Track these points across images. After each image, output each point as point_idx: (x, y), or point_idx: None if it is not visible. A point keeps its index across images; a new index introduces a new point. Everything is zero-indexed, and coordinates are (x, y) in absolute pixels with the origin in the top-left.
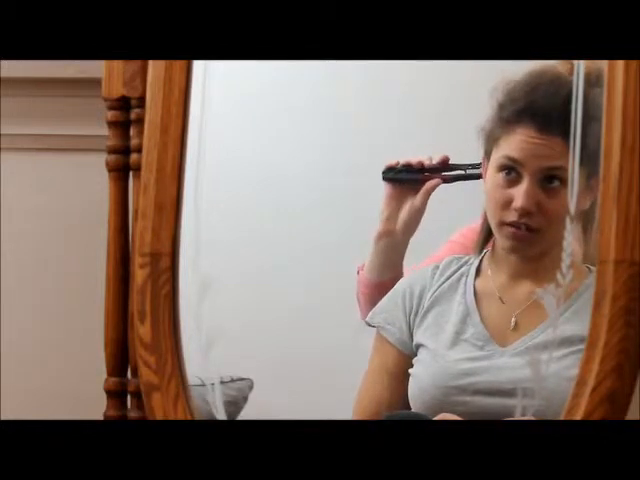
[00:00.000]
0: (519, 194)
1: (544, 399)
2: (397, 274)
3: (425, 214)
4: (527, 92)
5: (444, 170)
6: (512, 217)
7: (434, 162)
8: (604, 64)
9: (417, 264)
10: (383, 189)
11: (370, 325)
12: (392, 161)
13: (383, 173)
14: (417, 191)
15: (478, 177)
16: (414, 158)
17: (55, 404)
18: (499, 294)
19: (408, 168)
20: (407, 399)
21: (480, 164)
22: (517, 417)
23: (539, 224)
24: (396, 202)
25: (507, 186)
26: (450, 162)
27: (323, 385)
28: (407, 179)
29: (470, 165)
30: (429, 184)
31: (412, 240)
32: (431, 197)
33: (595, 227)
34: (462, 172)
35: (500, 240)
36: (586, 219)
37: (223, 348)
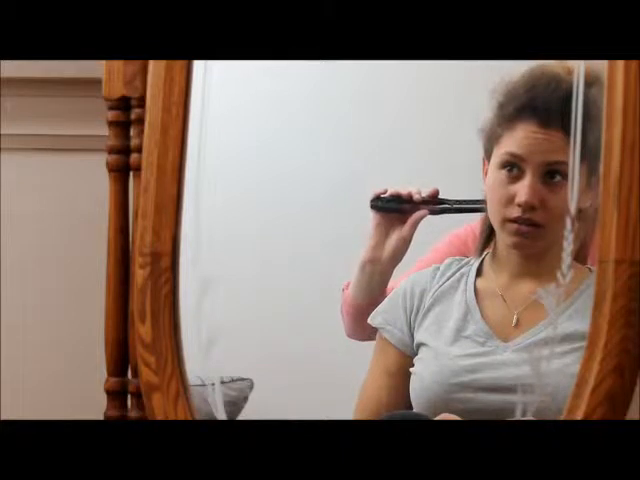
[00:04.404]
0: (522, 189)
1: (546, 395)
2: (380, 298)
3: (412, 244)
4: (527, 89)
5: (432, 203)
6: (516, 213)
7: (423, 195)
8: (601, 64)
9: (402, 276)
10: (371, 217)
11: (372, 326)
12: (380, 190)
13: (371, 202)
14: (404, 221)
15: (464, 211)
16: (403, 189)
17: (55, 404)
18: (500, 293)
19: (396, 198)
20: (408, 399)
21: (469, 200)
22: (518, 413)
23: (542, 219)
24: (383, 231)
25: (509, 183)
26: (439, 196)
27: (323, 385)
28: (395, 209)
29: (457, 201)
30: (416, 215)
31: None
32: (418, 228)
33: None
34: (449, 206)
35: (503, 237)
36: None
37: (223, 348)
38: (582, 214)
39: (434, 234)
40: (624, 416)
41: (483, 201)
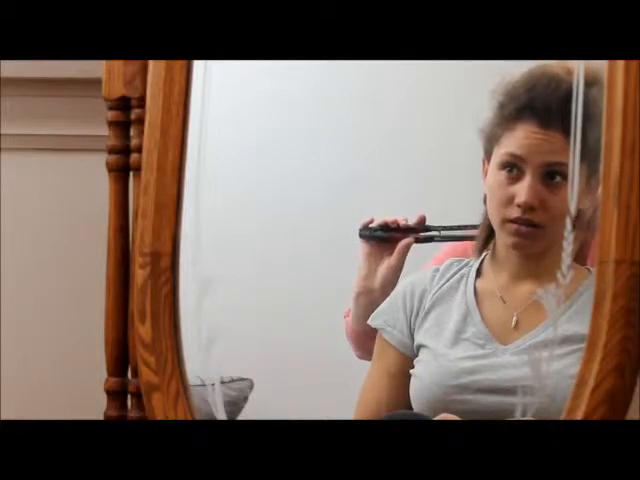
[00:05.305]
0: (522, 190)
1: (546, 397)
2: None
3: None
4: (527, 90)
5: (419, 230)
6: (515, 213)
7: (410, 223)
8: (601, 64)
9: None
10: (360, 247)
11: (372, 327)
12: (368, 219)
13: (360, 231)
14: (393, 249)
15: (452, 239)
16: (390, 218)
17: (55, 404)
18: (500, 294)
19: (384, 227)
20: (408, 400)
21: (456, 226)
22: (518, 415)
23: (542, 220)
24: (373, 260)
25: (509, 183)
26: (426, 223)
27: (323, 385)
28: (383, 237)
29: (444, 227)
30: (403, 243)
31: None
32: (409, 255)
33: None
34: (437, 233)
35: (503, 237)
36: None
37: (223, 348)
38: (582, 215)
39: (425, 261)
40: (624, 416)
41: (471, 226)
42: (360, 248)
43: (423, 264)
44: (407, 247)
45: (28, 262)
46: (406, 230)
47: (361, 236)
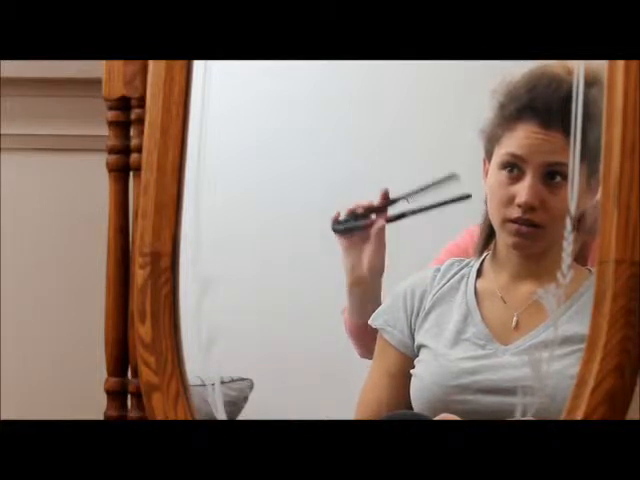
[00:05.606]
0: (522, 190)
1: (546, 397)
2: None
3: (394, 250)
4: (527, 90)
5: (387, 205)
6: (516, 213)
7: (374, 203)
8: (602, 64)
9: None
10: (338, 243)
11: (372, 327)
12: (335, 214)
13: (332, 227)
14: (369, 235)
15: (421, 211)
16: (354, 204)
17: (55, 404)
18: (500, 294)
19: (352, 216)
20: (409, 400)
21: (427, 185)
22: (518, 415)
23: (542, 220)
24: (354, 251)
25: (510, 183)
26: (390, 197)
27: (323, 385)
28: (355, 227)
29: (408, 194)
30: (374, 229)
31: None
32: (395, 233)
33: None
34: (406, 205)
35: (503, 237)
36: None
37: (223, 348)
38: (584, 218)
39: (413, 236)
40: (624, 416)
41: (434, 184)
42: (339, 244)
43: (410, 241)
44: (381, 230)
45: (28, 262)
46: (374, 210)
47: (335, 231)
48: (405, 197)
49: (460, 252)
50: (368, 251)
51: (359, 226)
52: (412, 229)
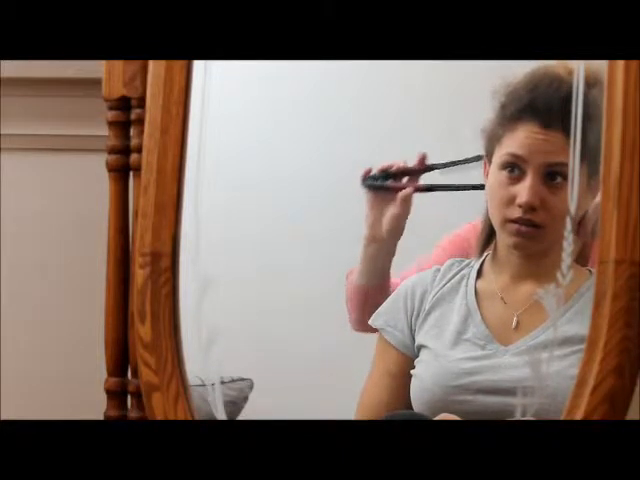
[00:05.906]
0: (523, 190)
1: (546, 398)
2: (385, 281)
3: (413, 219)
4: (528, 90)
5: (422, 171)
6: (516, 214)
7: (410, 165)
8: (602, 64)
9: (404, 271)
10: (365, 196)
11: (373, 327)
12: (366, 168)
13: (362, 181)
14: (396, 197)
15: (451, 189)
16: (388, 163)
17: (55, 404)
18: (501, 294)
19: (384, 173)
20: (409, 401)
21: (459, 161)
22: (518, 416)
23: (543, 220)
24: (378, 209)
25: (511, 183)
26: (427, 162)
27: (323, 385)
28: (385, 186)
29: (444, 164)
30: (402, 193)
31: (401, 245)
32: (418, 201)
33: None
34: (435, 178)
35: (504, 238)
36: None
37: (223, 348)
38: (583, 218)
39: (435, 208)
40: (624, 416)
41: (474, 158)
42: (365, 197)
43: (432, 211)
44: (407, 197)
45: (28, 262)
46: (408, 172)
47: (364, 186)
48: (441, 166)
49: (462, 242)
50: (391, 212)
51: (388, 187)
52: (436, 202)
